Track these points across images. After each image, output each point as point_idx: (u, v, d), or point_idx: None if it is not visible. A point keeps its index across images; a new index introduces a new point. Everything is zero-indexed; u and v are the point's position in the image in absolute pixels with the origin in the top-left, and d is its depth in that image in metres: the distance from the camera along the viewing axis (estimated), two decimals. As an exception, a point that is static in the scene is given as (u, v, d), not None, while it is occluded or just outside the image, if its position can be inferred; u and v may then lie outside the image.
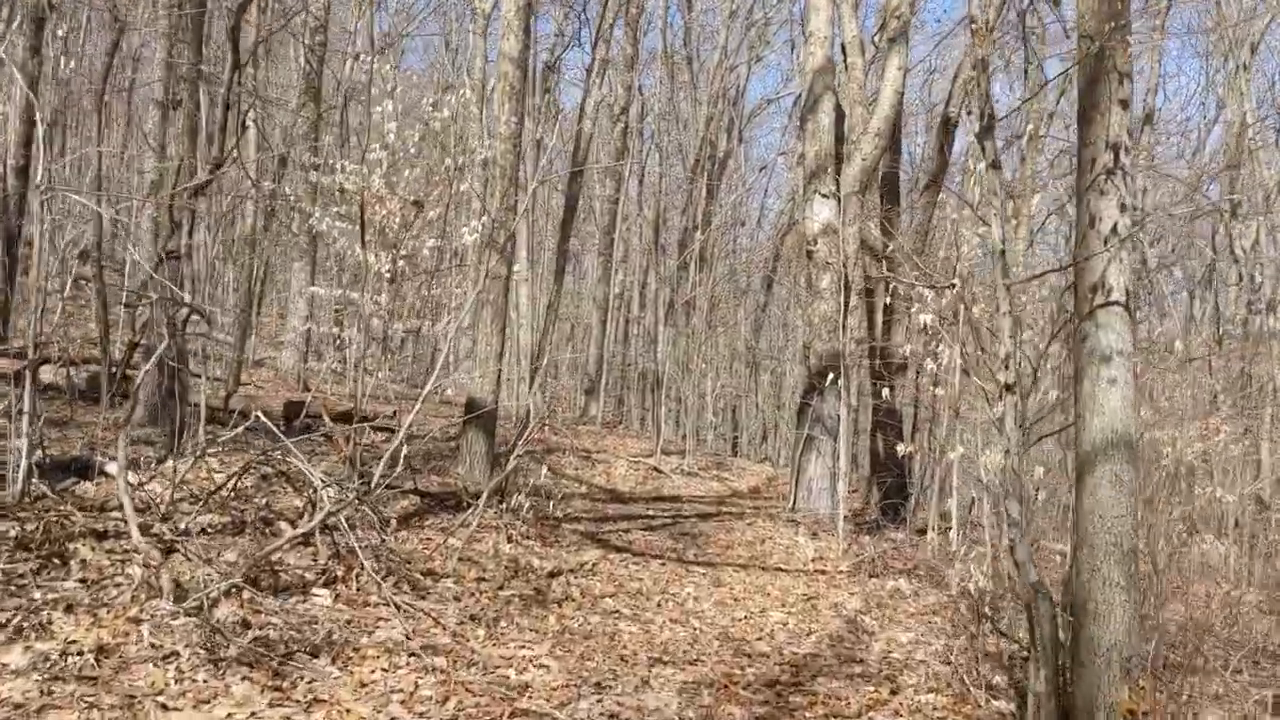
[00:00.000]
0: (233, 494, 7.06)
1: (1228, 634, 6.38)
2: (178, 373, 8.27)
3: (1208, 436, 8.07)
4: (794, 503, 11.04)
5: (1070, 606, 4.00)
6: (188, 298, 7.95)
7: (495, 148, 8.22)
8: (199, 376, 10.01)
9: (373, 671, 4.57)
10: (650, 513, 10.48)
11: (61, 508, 5.58)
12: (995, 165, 4.00)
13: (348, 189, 12.70)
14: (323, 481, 6.00)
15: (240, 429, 6.23)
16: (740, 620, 6.65)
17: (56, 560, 5.11)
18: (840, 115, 11.58)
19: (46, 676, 3.87)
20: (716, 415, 22.13)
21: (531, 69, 14.92)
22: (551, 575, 7.03)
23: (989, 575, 5.89)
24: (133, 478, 6.56)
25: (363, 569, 5.66)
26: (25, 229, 12.58)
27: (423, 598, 5.85)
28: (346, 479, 6.94)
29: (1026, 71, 16.98)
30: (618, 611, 6.43)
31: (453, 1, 24.83)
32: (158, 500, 6.14)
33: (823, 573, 8.50)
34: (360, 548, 5.99)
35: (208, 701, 3.95)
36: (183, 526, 5.87)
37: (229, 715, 3.88)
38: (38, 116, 7.09)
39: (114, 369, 9.54)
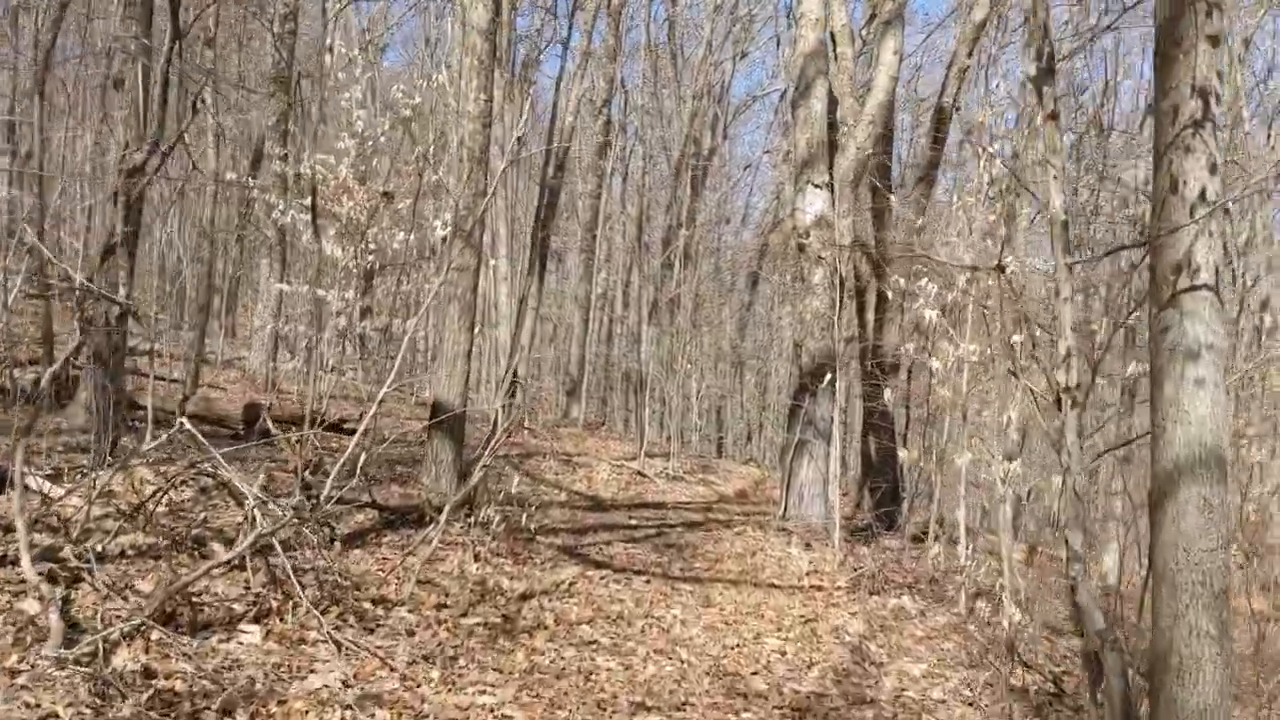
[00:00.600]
0: (167, 509, 6.23)
1: None
2: (112, 374, 7.40)
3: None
4: (784, 510, 10.24)
5: (1144, 658, 3.21)
6: (123, 292, 7.08)
7: (463, 127, 7.40)
8: (145, 376, 9.17)
9: (297, 733, 3.76)
10: (633, 522, 9.67)
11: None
12: (1054, 116, 3.22)
13: (310, 178, 11.89)
14: (258, 497, 5.16)
15: (164, 437, 5.37)
16: (733, 649, 5.84)
17: (-71, 596, 4.27)
18: (833, 102, 10.80)
19: None
20: (701, 416, 21.34)
21: (503, 46, 14.09)
22: (523, 598, 6.21)
23: (1012, 599, 5.11)
24: (56, 491, 5.72)
25: (300, 600, 4.83)
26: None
27: (371, 631, 5.02)
28: (293, 492, 6.11)
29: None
30: (596, 642, 5.61)
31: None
32: (73, 518, 5.29)
33: (819, 589, 7.71)
34: (299, 574, 5.16)
35: (76, 785, 3.12)
36: (99, 549, 5.04)
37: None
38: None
39: (59, 370, 8.69)
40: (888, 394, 8.13)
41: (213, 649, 4.34)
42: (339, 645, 4.64)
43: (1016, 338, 7.09)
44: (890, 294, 12.49)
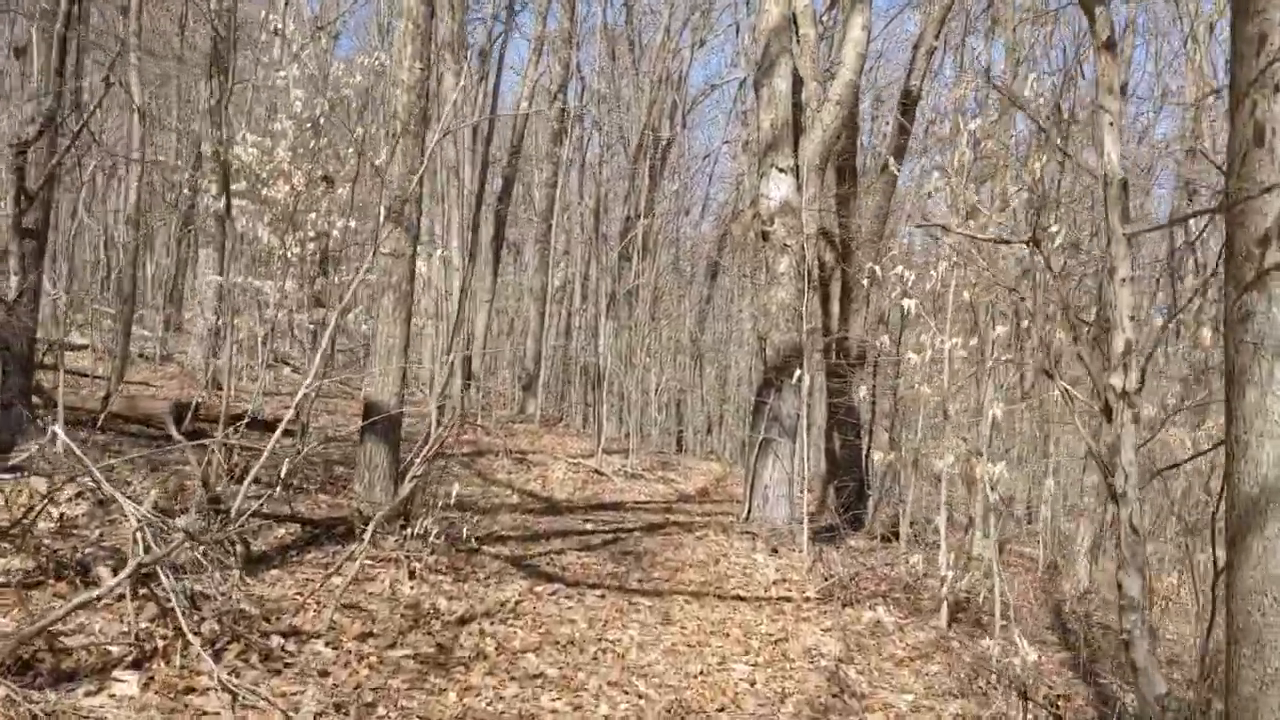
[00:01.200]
0: (56, 526, 5.40)
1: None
2: (10, 368, 6.52)
3: None
4: (748, 512, 9.55)
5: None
6: (14, 281, 6.21)
7: (395, 98, 6.59)
8: (55, 368, 8.28)
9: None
10: (589, 526, 8.93)
11: None
12: (1109, 46, 2.54)
13: (246, 163, 11.00)
14: (146, 517, 4.35)
15: (34, 447, 4.54)
16: (696, 679, 5.13)
17: None
18: (798, 82, 10.10)
19: None
20: (661, 410, 20.64)
21: (454, 28, 13.24)
22: (462, 622, 5.45)
23: (1024, 636, 4.44)
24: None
25: (192, 638, 4.03)
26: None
27: (277, 673, 4.24)
28: (197, 507, 5.30)
29: None
30: (541, 674, 4.87)
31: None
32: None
33: (787, 600, 7.02)
34: (196, 604, 4.37)
35: None
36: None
37: None
38: None
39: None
40: (863, 391, 7.44)
41: (75, 706, 3.54)
42: (234, 694, 3.85)
43: (999, 329, 6.44)
44: (861, 283, 11.92)
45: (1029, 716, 4.30)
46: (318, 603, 5.11)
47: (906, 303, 6.54)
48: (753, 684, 5.10)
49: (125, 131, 14.52)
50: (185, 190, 15.59)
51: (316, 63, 14.92)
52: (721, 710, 4.70)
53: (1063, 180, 16.36)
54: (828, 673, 5.34)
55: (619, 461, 13.70)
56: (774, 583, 7.52)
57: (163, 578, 4.11)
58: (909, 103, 12.40)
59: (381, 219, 6.61)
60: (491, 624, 5.52)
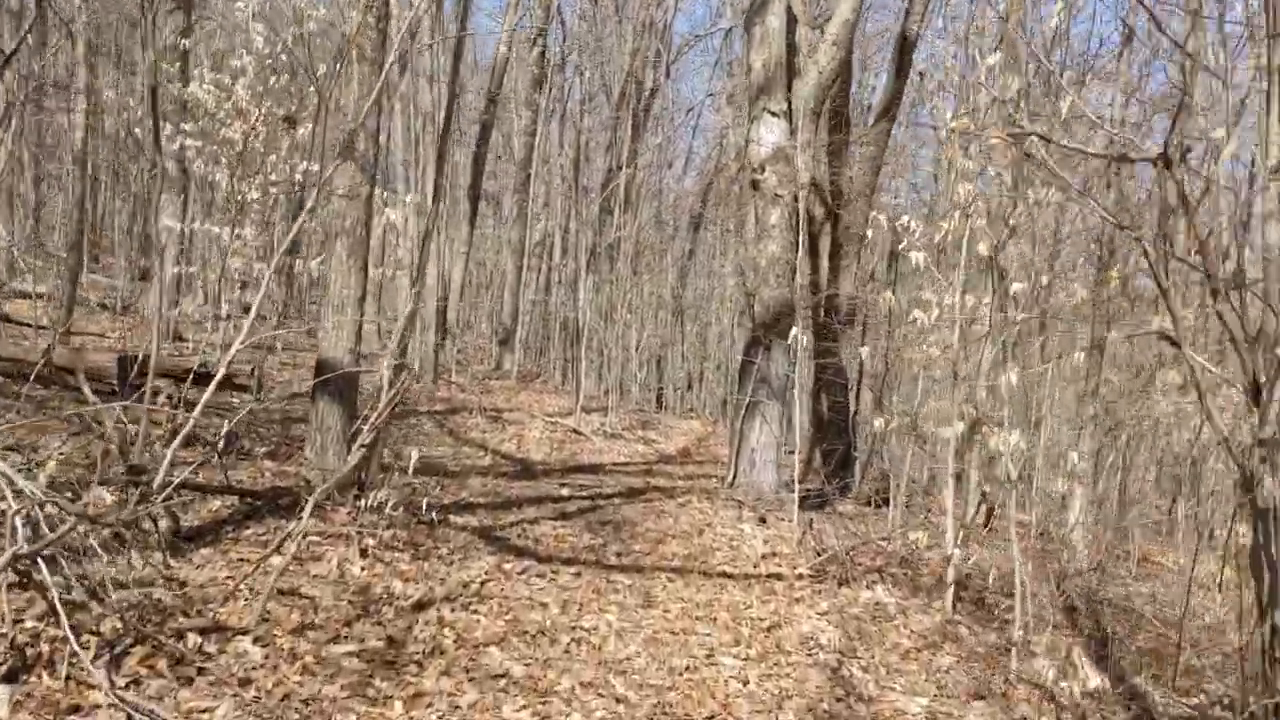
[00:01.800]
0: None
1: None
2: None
3: None
4: (733, 476, 8.89)
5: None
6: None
7: (351, 21, 5.75)
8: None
9: None
10: (565, 492, 8.22)
11: None
12: None
13: (202, 101, 10.08)
14: (35, 495, 3.58)
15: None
16: (682, 676, 4.45)
17: None
18: (792, 21, 9.26)
19: None
20: (641, 367, 19.90)
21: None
22: (419, 608, 4.75)
23: (1089, 661, 3.77)
24: None
25: (86, 642, 3.30)
26: None
27: (189, 681, 3.51)
28: (103, 480, 4.54)
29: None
30: (506, 674, 4.17)
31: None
32: None
33: (778, 577, 6.35)
34: (98, 596, 3.63)
35: None
36: None
37: None
38: None
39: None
40: (865, 351, 6.73)
41: (-81, 735, 2.81)
42: (130, 711, 3.13)
43: (1018, 285, 5.74)
44: (853, 238, 11.18)
45: (1047, 706, 3.66)
46: (251, 589, 4.38)
47: (915, 255, 5.80)
48: (745, 683, 4.43)
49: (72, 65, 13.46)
50: (136, 131, 14.58)
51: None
52: (711, 718, 4.02)
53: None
54: (828, 669, 4.67)
55: (598, 420, 13.01)
56: (763, 557, 6.86)
57: (44, 569, 3.35)
58: (905, 48, 11.57)
59: (335, 156, 5.78)
60: (452, 610, 4.81)
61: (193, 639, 3.76)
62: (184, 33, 13.04)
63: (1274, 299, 1.87)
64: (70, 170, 10.36)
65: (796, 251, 8.51)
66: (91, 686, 3.22)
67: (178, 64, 12.62)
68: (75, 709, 3.13)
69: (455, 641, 4.43)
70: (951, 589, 5.76)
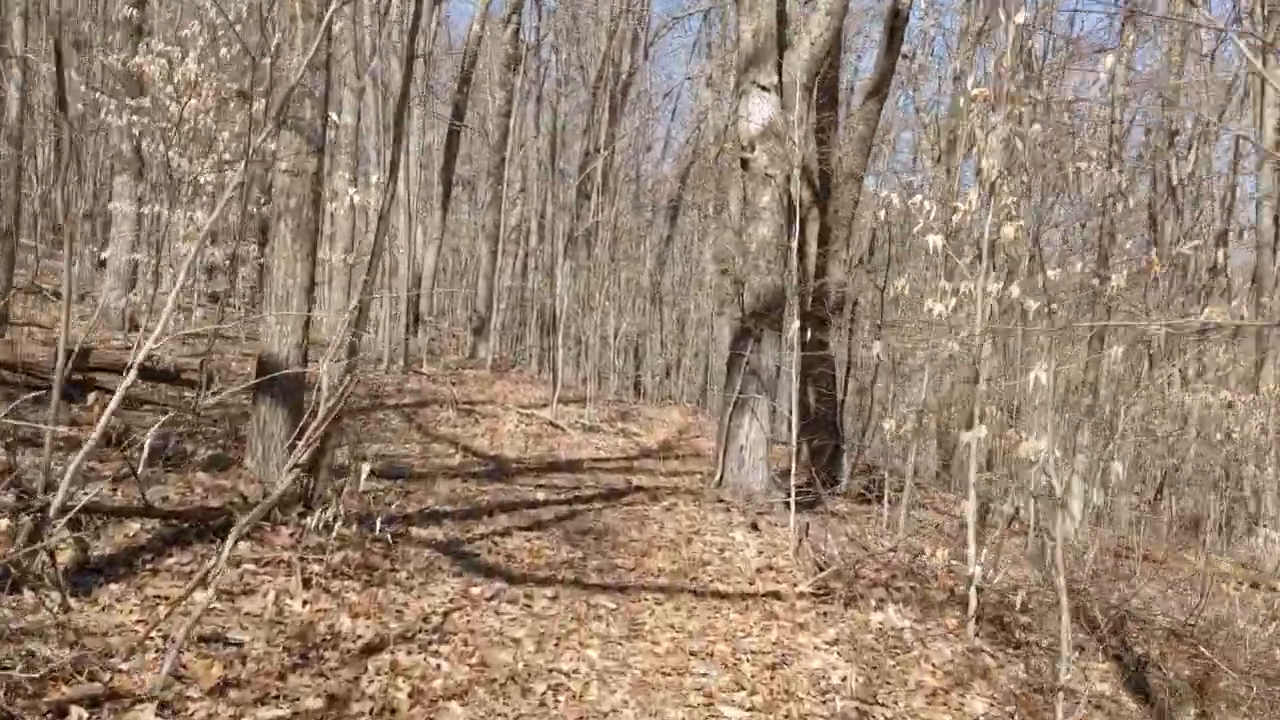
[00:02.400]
0: None
1: None
2: None
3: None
4: (720, 476, 8.16)
5: None
6: None
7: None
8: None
9: None
10: (541, 496, 7.45)
11: None
12: None
13: (150, 74, 9.18)
14: None
15: None
16: (677, 735, 3.70)
17: None
18: (782, -9, 8.48)
19: None
20: (619, 355, 19.13)
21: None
22: (369, 651, 3.97)
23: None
24: None
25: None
26: None
27: (62, 776, 2.72)
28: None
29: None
30: (468, 740, 3.41)
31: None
32: None
33: (777, 596, 5.62)
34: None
35: None
36: None
37: None
38: None
39: None
40: (877, 346, 6.00)
41: None
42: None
43: (1050, 271, 5.03)
44: (841, 223, 10.44)
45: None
46: (164, 637, 3.58)
47: (931, 239, 5.06)
48: (753, 742, 3.69)
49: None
50: (81, 106, 13.59)
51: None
52: (716, 795, 3.28)
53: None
54: (847, 720, 3.94)
55: (575, 412, 12.23)
56: (758, 570, 6.13)
57: None
58: (896, 24, 10.81)
59: (276, 126, 4.95)
60: (409, 652, 4.04)
61: (77, 715, 2.96)
62: (138, 3, 12.07)
63: None
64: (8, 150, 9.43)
65: (788, 235, 7.76)
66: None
67: (133, 37, 11.67)
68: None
69: (410, 696, 3.66)
70: (973, 619, 5.06)
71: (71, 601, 3.73)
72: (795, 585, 5.83)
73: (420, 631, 4.27)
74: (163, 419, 4.51)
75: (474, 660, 4.09)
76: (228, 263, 9.06)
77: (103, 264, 17.12)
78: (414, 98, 15.60)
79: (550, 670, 4.14)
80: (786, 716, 3.95)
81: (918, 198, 5.46)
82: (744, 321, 8.06)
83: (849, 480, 10.29)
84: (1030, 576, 6.41)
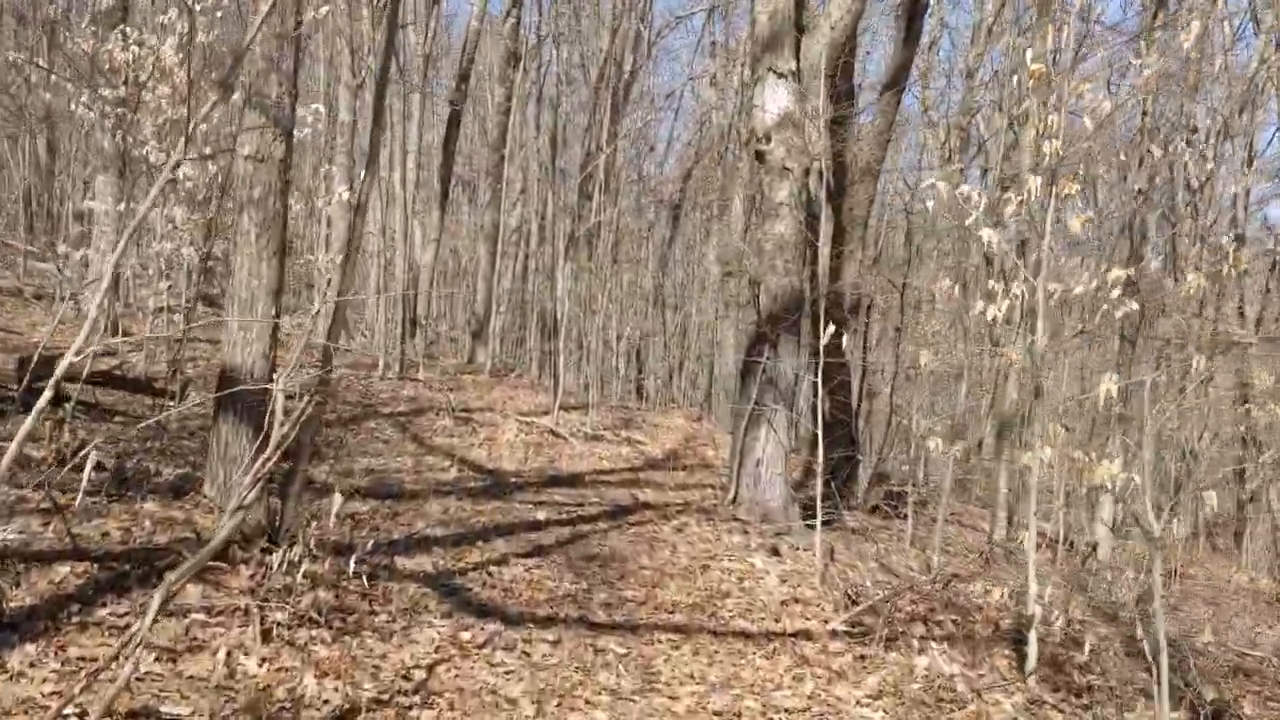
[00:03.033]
0: None
1: None
2: None
3: None
4: (735, 493, 7.46)
5: None
6: None
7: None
8: None
9: None
10: (542, 515, 6.75)
11: None
12: None
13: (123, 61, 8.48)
14: None
15: None
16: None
17: None
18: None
19: None
20: (622, 359, 18.42)
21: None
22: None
23: None
24: None
25: None
26: None
27: None
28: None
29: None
30: None
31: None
32: None
33: (807, 636, 4.93)
34: None
35: None
36: None
37: None
38: None
39: None
40: (924, 357, 5.30)
41: None
42: None
43: (1116, 270, 4.33)
44: (856, 221, 9.75)
45: None
46: (80, 715, 2.88)
47: (986, 233, 4.36)
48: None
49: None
50: (47, 95, 12.91)
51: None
52: None
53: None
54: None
55: (577, 419, 11.51)
56: (782, 603, 5.43)
57: None
58: (914, 14, 10.12)
59: (241, 107, 4.25)
60: (385, 718, 3.34)
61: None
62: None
63: None
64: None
65: (809, 233, 7.07)
66: None
67: (115, 27, 10.95)
68: None
69: (382, 783, 2.96)
70: (1032, 664, 4.36)
71: (-26, 667, 3.03)
72: (826, 622, 5.13)
73: (399, 692, 3.57)
74: (99, 439, 3.81)
75: (462, 729, 3.39)
76: (201, 262, 8.32)
77: (87, 265, 16.42)
78: (413, 86, 14.92)
79: (552, 740, 3.44)
80: (836, 803, 3.25)
81: (964, 187, 4.75)
82: (759, 326, 7.36)
83: (865, 494, 9.62)
84: (1082, 609, 5.71)
